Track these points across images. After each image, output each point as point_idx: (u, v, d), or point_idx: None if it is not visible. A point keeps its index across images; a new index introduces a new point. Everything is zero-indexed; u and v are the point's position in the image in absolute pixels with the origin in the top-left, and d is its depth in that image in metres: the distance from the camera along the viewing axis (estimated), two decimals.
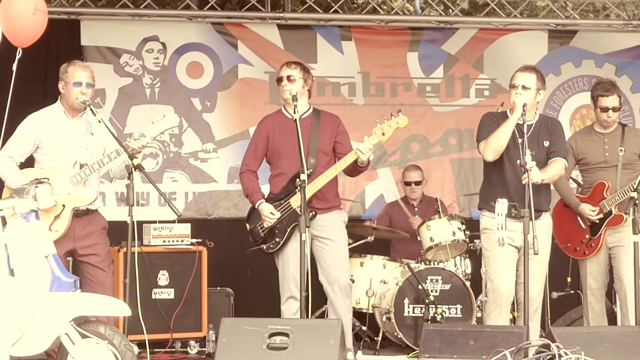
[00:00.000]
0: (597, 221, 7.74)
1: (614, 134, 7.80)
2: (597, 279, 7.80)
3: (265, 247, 7.44)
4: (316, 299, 7.32)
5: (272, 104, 9.66)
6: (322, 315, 8.48)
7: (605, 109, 7.75)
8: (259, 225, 7.45)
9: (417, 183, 9.46)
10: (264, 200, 7.41)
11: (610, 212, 7.69)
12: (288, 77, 7.37)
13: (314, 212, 7.20)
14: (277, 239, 7.38)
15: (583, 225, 7.81)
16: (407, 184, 9.49)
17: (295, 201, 7.27)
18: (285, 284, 7.34)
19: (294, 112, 7.12)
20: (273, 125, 7.47)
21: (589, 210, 7.73)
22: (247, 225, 7.57)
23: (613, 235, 7.72)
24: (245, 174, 7.51)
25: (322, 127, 7.43)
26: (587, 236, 7.78)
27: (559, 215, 7.82)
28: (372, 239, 8.91)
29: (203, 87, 9.79)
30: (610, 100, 7.74)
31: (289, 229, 7.33)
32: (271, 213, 7.32)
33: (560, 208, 7.91)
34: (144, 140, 6.77)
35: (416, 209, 9.44)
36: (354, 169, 7.39)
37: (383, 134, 7.27)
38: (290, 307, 7.28)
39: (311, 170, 7.20)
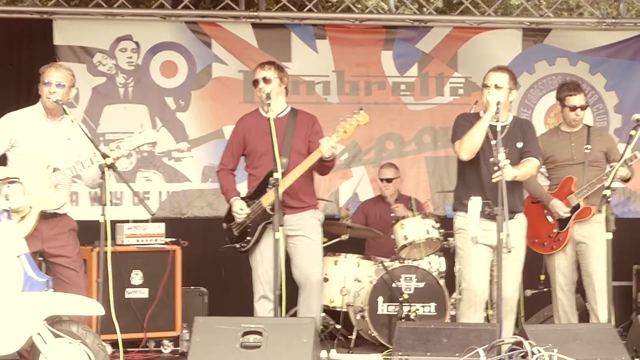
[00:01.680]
0: (564, 217, 7.82)
1: (580, 133, 7.96)
2: (566, 275, 7.87)
3: (238, 246, 7.50)
4: (290, 298, 7.31)
5: (247, 102, 9.67)
6: (296, 314, 8.48)
7: (573, 108, 7.89)
8: (233, 225, 7.51)
9: (389, 180, 9.47)
10: (237, 198, 7.47)
11: (578, 205, 7.80)
12: (264, 79, 7.40)
13: (282, 212, 7.13)
14: (249, 238, 7.43)
15: (551, 220, 7.90)
16: (382, 180, 9.51)
17: (266, 200, 7.32)
18: (258, 283, 7.36)
19: (267, 112, 7.14)
20: (250, 125, 7.51)
21: (562, 207, 7.81)
22: (224, 225, 7.62)
23: (580, 230, 7.81)
24: (221, 172, 7.60)
25: (297, 127, 7.47)
26: (554, 230, 7.86)
27: (526, 212, 7.83)
28: (347, 237, 8.92)
29: (177, 86, 9.77)
30: (578, 99, 7.91)
31: (259, 228, 7.38)
32: (240, 209, 7.40)
33: (527, 205, 7.88)
34: (119, 152, 6.74)
35: (392, 206, 9.45)
36: (322, 166, 7.41)
37: (345, 132, 7.31)
38: (263, 306, 7.30)
39: (283, 170, 7.22)
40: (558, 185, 7.92)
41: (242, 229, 7.47)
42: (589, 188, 7.76)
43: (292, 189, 7.33)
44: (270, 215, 7.15)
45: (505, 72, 7.22)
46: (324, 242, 8.73)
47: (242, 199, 7.49)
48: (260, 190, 7.39)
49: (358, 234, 9.20)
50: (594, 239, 7.64)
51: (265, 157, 7.33)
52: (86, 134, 6.77)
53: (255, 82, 7.43)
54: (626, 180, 7.91)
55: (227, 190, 7.53)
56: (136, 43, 9.70)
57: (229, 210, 7.57)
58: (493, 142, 6.95)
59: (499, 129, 6.86)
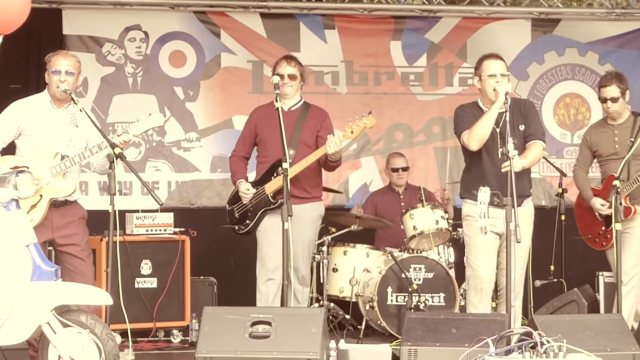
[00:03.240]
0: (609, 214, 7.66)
1: (625, 124, 7.81)
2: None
3: (237, 228, 7.69)
4: None
5: (255, 93, 9.69)
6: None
7: (604, 100, 7.79)
8: (236, 207, 7.67)
9: (405, 169, 9.47)
10: (243, 180, 7.63)
11: (620, 204, 7.60)
12: (290, 76, 7.53)
13: (281, 200, 7.14)
14: (247, 221, 7.60)
15: (599, 218, 7.83)
16: (394, 170, 9.49)
17: (270, 187, 7.47)
18: (260, 266, 7.53)
19: (277, 101, 7.19)
20: (262, 115, 7.65)
21: (599, 205, 7.75)
22: (227, 206, 7.78)
23: (623, 226, 7.56)
24: (233, 157, 7.77)
25: (307, 120, 7.58)
26: (602, 228, 7.80)
27: (580, 207, 7.95)
28: (356, 227, 8.91)
29: (186, 76, 9.77)
30: (609, 91, 7.76)
31: (259, 213, 7.54)
32: (247, 189, 7.57)
33: (580, 200, 7.98)
34: (126, 137, 6.75)
35: (401, 196, 9.44)
36: (326, 164, 7.51)
37: (352, 132, 7.41)
38: (268, 288, 7.45)
39: (290, 161, 7.26)
40: (603, 182, 7.82)
41: (243, 212, 7.63)
42: (630, 186, 7.60)
43: (297, 179, 7.41)
44: (271, 202, 7.42)
45: (501, 60, 7.20)
46: (333, 232, 8.77)
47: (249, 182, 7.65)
48: (265, 177, 7.53)
49: (367, 224, 9.19)
50: (634, 231, 7.57)
51: (273, 147, 7.41)
52: (95, 124, 6.76)
53: (281, 76, 7.47)
54: None
55: (234, 174, 7.71)
56: (145, 33, 9.70)
57: (234, 193, 7.72)
58: (497, 130, 6.92)
59: (507, 116, 6.82)
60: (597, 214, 7.82)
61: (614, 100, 7.76)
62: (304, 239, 7.56)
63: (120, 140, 6.73)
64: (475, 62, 7.31)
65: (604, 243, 7.81)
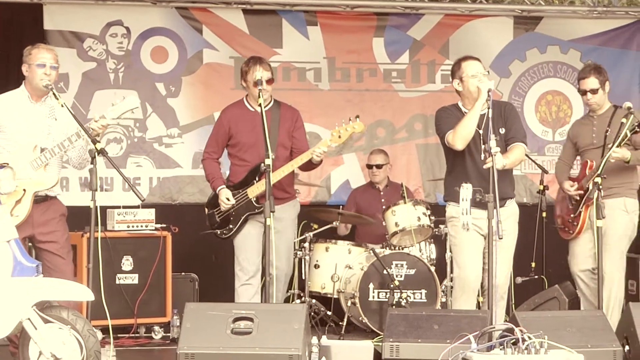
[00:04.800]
0: (578, 198, 7.71)
1: (605, 115, 7.81)
2: (581, 260, 7.73)
3: (219, 232, 7.69)
4: None
5: (238, 89, 9.59)
6: (287, 300, 8.50)
7: (583, 92, 7.80)
8: (216, 211, 7.66)
9: (379, 166, 9.45)
10: (224, 186, 7.61)
11: (588, 188, 7.62)
12: (269, 80, 7.54)
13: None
14: (231, 226, 7.60)
15: (570, 205, 7.85)
16: (369, 167, 9.50)
17: (252, 191, 7.50)
18: (239, 270, 7.53)
19: (258, 104, 7.23)
20: (236, 117, 7.65)
21: (568, 186, 7.76)
22: (206, 210, 7.78)
23: (593, 212, 7.56)
24: (207, 160, 7.75)
25: (282, 122, 7.62)
26: (572, 215, 7.80)
27: (558, 199, 7.99)
28: (338, 224, 8.91)
29: (167, 71, 9.74)
30: (588, 83, 7.77)
31: (242, 217, 7.54)
32: (227, 199, 7.55)
33: (559, 193, 8.04)
34: (104, 121, 6.72)
35: (382, 193, 9.45)
36: (308, 166, 7.58)
37: (339, 137, 7.43)
38: (246, 290, 7.48)
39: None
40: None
41: (224, 217, 7.63)
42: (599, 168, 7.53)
43: (278, 181, 7.43)
44: (255, 207, 7.46)
45: (479, 60, 7.22)
46: (315, 229, 8.77)
47: (228, 187, 7.62)
48: (246, 180, 7.54)
49: (349, 220, 9.20)
50: (608, 219, 7.47)
51: (253, 149, 7.50)
52: (76, 119, 6.72)
53: (258, 82, 7.44)
54: (627, 161, 7.76)
55: (213, 178, 7.68)
56: (127, 28, 9.66)
57: (213, 197, 7.72)
58: (479, 130, 6.94)
59: (490, 115, 6.82)
60: (568, 202, 7.83)
61: (594, 92, 7.77)
62: (287, 239, 7.64)
63: (99, 125, 6.70)
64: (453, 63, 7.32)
65: (571, 231, 7.79)
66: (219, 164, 7.74)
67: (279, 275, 7.47)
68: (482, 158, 6.85)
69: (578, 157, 8.00)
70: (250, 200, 7.50)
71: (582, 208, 7.70)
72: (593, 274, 7.66)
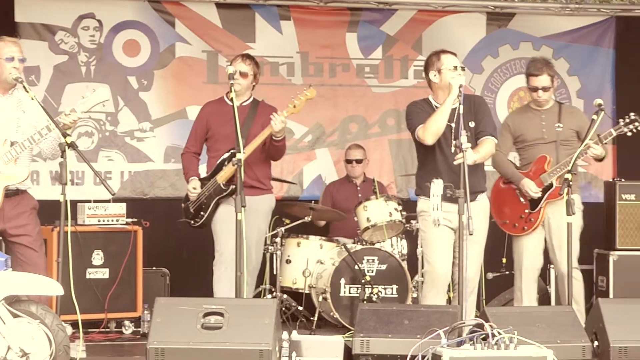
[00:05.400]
0: (540, 194, 7.73)
1: (551, 110, 7.84)
2: (533, 257, 7.77)
3: (192, 222, 7.80)
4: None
5: (210, 83, 9.65)
6: (259, 295, 8.49)
7: (534, 89, 7.79)
8: (190, 203, 7.79)
9: (359, 161, 9.46)
10: (194, 177, 7.76)
11: (551, 184, 7.70)
12: (240, 72, 7.64)
13: (233, 186, 7.41)
14: (202, 213, 7.72)
15: (523, 200, 7.81)
16: (349, 161, 9.50)
17: (221, 177, 7.62)
18: (218, 254, 7.62)
19: (230, 91, 7.22)
20: (213, 111, 7.81)
21: (533, 188, 7.71)
22: (183, 204, 7.90)
23: (551, 209, 7.71)
24: (185, 155, 7.91)
25: (257, 116, 7.72)
26: (526, 211, 7.78)
27: (497, 194, 7.87)
28: (309, 219, 8.91)
29: (140, 65, 9.69)
30: (541, 80, 7.76)
31: (212, 203, 7.66)
32: (193, 187, 7.72)
33: (498, 186, 7.94)
34: (74, 115, 6.69)
35: (359, 187, 9.46)
36: (273, 147, 7.63)
37: (294, 107, 7.59)
38: (227, 275, 7.50)
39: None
40: (530, 165, 7.81)
41: (197, 206, 7.75)
42: (563, 167, 7.61)
43: (249, 168, 7.50)
44: (223, 190, 7.60)
45: (455, 55, 7.21)
46: (287, 224, 8.77)
47: (201, 180, 7.77)
48: (217, 170, 7.67)
49: (321, 216, 9.19)
50: (562, 218, 7.47)
51: (225, 140, 7.61)
52: (47, 113, 6.67)
53: (230, 75, 7.43)
54: (600, 159, 7.85)
55: (187, 171, 7.85)
56: (99, 21, 9.61)
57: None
58: (451, 124, 6.94)
59: (461, 111, 6.82)
60: (520, 197, 7.81)
61: (546, 89, 7.79)
62: (259, 231, 7.70)
63: (69, 120, 6.66)
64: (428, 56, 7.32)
65: (525, 227, 7.77)
66: (198, 159, 7.84)
67: (250, 270, 7.50)
68: (453, 151, 6.86)
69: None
70: (219, 184, 7.62)
71: (542, 204, 7.72)
72: (538, 270, 7.77)
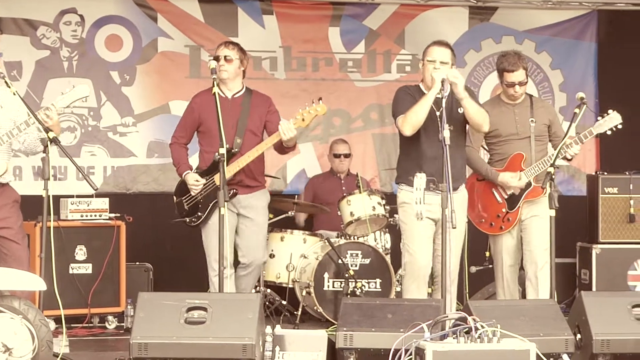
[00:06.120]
0: (517, 193, 7.64)
1: (523, 104, 7.72)
2: (512, 255, 7.72)
3: (188, 220, 7.63)
4: None
5: (193, 77, 9.63)
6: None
7: (511, 85, 7.66)
8: (184, 199, 7.63)
9: (346, 156, 9.49)
10: (190, 171, 7.61)
11: (529, 184, 7.62)
12: (225, 57, 7.53)
13: (234, 190, 7.41)
14: (199, 213, 7.56)
15: (499, 199, 7.73)
16: (336, 156, 9.51)
17: (219, 178, 7.34)
18: (212, 260, 7.46)
19: (214, 86, 7.19)
20: (205, 103, 7.60)
21: (510, 178, 7.61)
22: (174, 198, 7.74)
23: (528, 208, 7.65)
24: (174, 145, 7.75)
25: (252, 108, 7.61)
26: (503, 210, 7.69)
27: (471, 191, 7.69)
28: (293, 213, 8.92)
29: (122, 60, 9.67)
30: (517, 76, 7.64)
31: (211, 205, 7.49)
32: (196, 180, 7.54)
33: (473, 183, 7.78)
34: (52, 113, 6.65)
35: (343, 181, 9.47)
36: (282, 149, 7.59)
37: (303, 120, 7.44)
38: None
39: (237, 149, 7.43)
40: (505, 162, 7.66)
41: (193, 204, 7.61)
42: (540, 166, 7.53)
43: (248, 168, 7.48)
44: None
45: (447, 47, 7.20)
46: (271, 219, 8.76)
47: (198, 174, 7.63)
48: (215, 167, 7.42)
49: (304, 210, 9.20)
50: (541, 213, 7.47)
51: (218, 135, 7.38)
52: (28, 107, 6.64)
53: (217, 58, 7.49)
54: (571, 159, 7.81)
55: (179, 164, 7.67)
56: (81, 16, 9.58)
57: (180, 184, 7.69)
58: (437, 114, 6.88)
59: (443, 103, 6.81)
60: (497, 196, 7.75)
61: (522, 84, 7.68)
62: (262, 226, 7.68)
63: (49, 115, 6.63)
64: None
65: (502, 226, 7.68)
66: (187, 150, 7.73)
67: (254, 264, 7.57)
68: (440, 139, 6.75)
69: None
70: (218, 187, 7.38)
71: (520, 204, 7.66)
72: (518, 265, 7.74)
